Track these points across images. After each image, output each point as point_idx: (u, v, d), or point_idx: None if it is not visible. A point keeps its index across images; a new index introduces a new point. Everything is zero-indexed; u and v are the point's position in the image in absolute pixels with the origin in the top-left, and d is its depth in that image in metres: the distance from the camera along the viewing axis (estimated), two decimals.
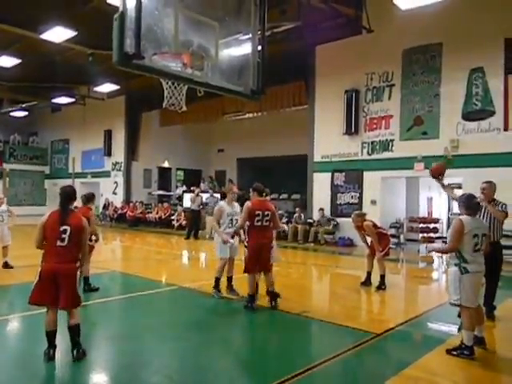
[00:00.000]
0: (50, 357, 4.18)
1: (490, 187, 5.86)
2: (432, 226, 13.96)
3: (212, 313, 6.46)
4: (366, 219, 7.97)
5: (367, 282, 7.93)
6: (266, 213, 6.17)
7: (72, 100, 22.40)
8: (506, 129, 11.74)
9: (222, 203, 7.10)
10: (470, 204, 4.70)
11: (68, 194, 4.42)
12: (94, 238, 6.55)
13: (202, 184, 21.07)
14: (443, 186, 6.19)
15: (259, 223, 6.14)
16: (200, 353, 4.67)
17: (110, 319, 5.88)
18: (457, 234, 4.51)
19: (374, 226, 7.94)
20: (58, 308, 4.25)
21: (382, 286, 7.71)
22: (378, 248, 7.70)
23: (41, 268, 4.24)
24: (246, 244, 6.32)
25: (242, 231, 6.78)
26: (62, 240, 4.19)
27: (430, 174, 6.32)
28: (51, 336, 4.23)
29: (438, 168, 6.21)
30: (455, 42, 12.51)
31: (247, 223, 6.27)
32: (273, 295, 6.29)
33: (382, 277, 7.73)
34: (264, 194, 6.49)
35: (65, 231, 4.19)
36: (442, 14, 12.07)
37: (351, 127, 14.54)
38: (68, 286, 4.20)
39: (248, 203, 6.23)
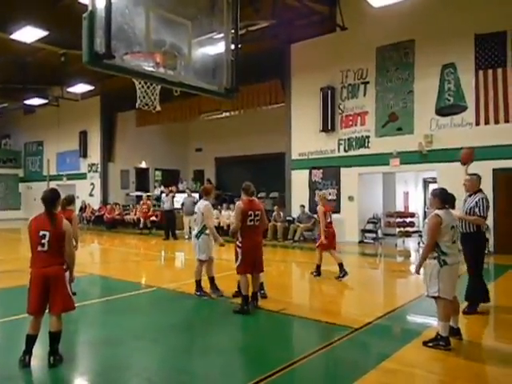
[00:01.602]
0: (25, 363, 4.09)
1: (471, 180, 5.99)
2: (409, 220, 14.22)
3: (191, 313, 6.44)
4: (324, 204, 8.56)
5: (340, 274, 8.29)
6: (257, 212, 6.13)
7: (45, 101, 22.00)
8: (477, 123, 12.01)
9: (209, 203, 6.96)
10: (446, 197, 4.81)
11: (46, 199, 4.29)
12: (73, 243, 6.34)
13: (180, 184, 20.93)
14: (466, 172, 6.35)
15: (251, 223, 6.06)
16: (179, 354, 4.65)
17: (87, 323, 5.79)
18: (433, 230, 4.60)
19: (325, 214, 8.45)
20: (50, 313, 4.19)
21: (314, 272, 8.59)
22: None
23: (30, 274, 4.19)
24: (239, 245, 6.10)
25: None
26: (42, 245, 4.13)
27: (461, 161, 6.47)
28: (31, 340, 4.15)
29: (469, 155, 6.38)
30: (427, 38, 12.73)
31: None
32: (255, 296, 6.23)
33: (318, 266, 8.59)
34: (251, 193, 6.30)
35: (44, 236, 4.12)
36: (414, 12, 12.27)
37: (327, 124, 14.66)
38: (58, 289, 4.15)
39: (240, 204, 6.15)
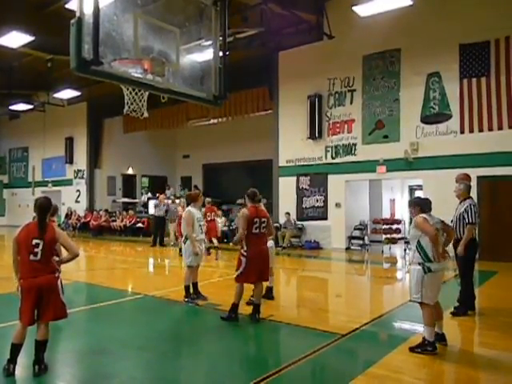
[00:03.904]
0: (9, 372, 4.02)
1: (459, 188, 6.29)
2: (395, 226, 14.29)
3: (178, 321, 6.40)
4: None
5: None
6: (263, 219, 5.95)
7: (31, 107, 21.78)
8: (462, 131, 12.19)
9: (191, 208, 6.95)
10: (423, 203, 4.96)
11: (43, 207, 4.20)
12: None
13: (167, 191, 20.85)
14: None
15: (257, 230, 5.85)
16: (166, 362, 4.61)
17: (73, 332, 5.71)
18: (424, 225, 4.68)
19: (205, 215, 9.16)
20: (39, 321, 4.12)
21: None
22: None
23: (20, 285, 4.10)
24: (243, 253, 5.86)
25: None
26: (35, 254, 4.05)
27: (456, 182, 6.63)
28: (17, 349, 4.08)
29: (462, 177, 6.55)
30: (413, 47, 12.93)
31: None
32: (257, 307, 5.98)
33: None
34: (258, 200, 6.14)
35: (37, 245, 4.04)
36: (400, 21, 12.47)
37: (315, 132, 14.76)
38: (51, 298, 4.10)
39: (245, 211, 5.93)
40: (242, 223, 5.86)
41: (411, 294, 4.82)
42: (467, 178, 6.54)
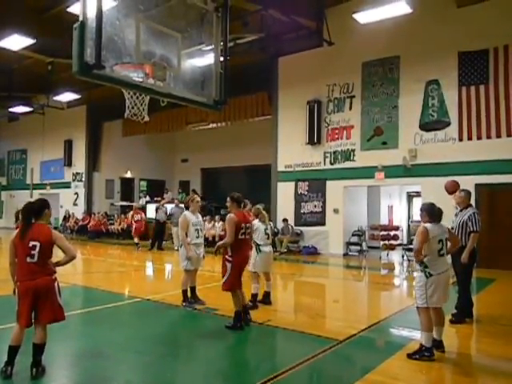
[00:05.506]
0: (7, 375, 4.01)
1: (461, 196, 6.27)
2: (393, 233, 14.32)
3: (175, 325, 6.39)
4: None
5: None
6: (248, 225, 5.92)
7: (30, 109, 21.81)
8: (460, 139, 12.24)
9: (187, 213, 7.00)
10: (433, 211, 4.91)
11: (30, 209, 4.20)
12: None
13: (165, 195, 20.86)
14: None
15: (243, 236, 5.77)
16: (163, 366, 4.59)
17: (70, 335, 5.69)
18: (419, 237, 4.71)
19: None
20: (36, 324, 4.12)
21: None
22: None
23: (17, 288, 4.10)
24: (229, 259, 5.72)
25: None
26: (32, 256, 4.04)
27: (447, 191, 6.59)
28: (14, 352, 4.07)
29: (454, 187, 6.51)
30: (412, 54, 13.00)
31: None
32: (245, 309, 5.94)
33: None
34: (243, 205, 6.19)
35: (34, 247, 4.04)
36: (399, 28, 12.54)
37: (314, 137, 14.80)
38: (48, 300, 4.10)
39: (232, 216, 5.73)
40: (231, 229, 5.68)
41: (416, 301, 4.81)
42: (458, 185, 6.52)
